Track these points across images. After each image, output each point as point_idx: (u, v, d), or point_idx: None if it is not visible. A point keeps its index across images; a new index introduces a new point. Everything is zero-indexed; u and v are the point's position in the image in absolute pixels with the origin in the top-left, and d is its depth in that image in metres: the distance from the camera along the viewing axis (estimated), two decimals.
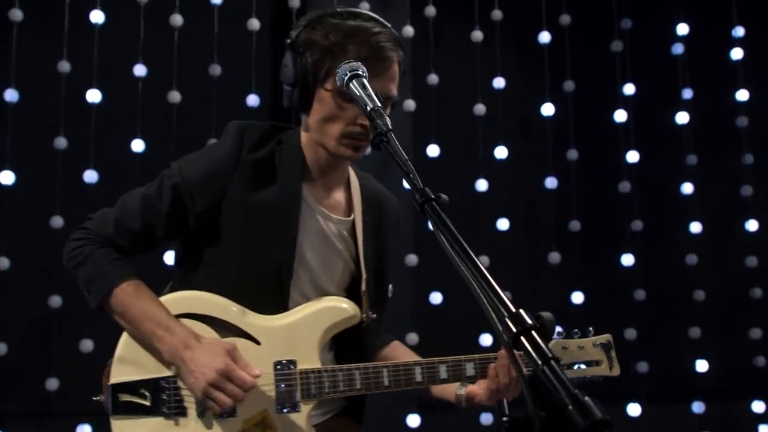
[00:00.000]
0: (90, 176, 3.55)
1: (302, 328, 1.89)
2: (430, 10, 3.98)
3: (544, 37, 4.04)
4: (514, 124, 4.20)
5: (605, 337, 2.08)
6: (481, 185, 3.89)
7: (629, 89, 4.13)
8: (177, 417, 1.83)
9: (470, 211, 3.84)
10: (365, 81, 1.56)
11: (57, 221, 3.51)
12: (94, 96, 3.57)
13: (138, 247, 1.94)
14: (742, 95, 4.17)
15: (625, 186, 4.04)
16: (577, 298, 3.97)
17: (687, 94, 4.15)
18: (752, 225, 4.11)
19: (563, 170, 4.03)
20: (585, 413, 0.82)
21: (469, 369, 1.94)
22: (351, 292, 2.01)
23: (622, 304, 3.98)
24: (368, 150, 1.84)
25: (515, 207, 4.12)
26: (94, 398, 1.90)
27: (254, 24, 3.76)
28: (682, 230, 4.09)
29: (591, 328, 2.08)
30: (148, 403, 1.83)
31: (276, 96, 3.92)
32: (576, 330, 2.08)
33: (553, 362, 0.90)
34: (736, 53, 4.17)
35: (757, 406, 4.04)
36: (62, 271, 3.45)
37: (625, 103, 4.12)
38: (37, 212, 3.55)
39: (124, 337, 1.89)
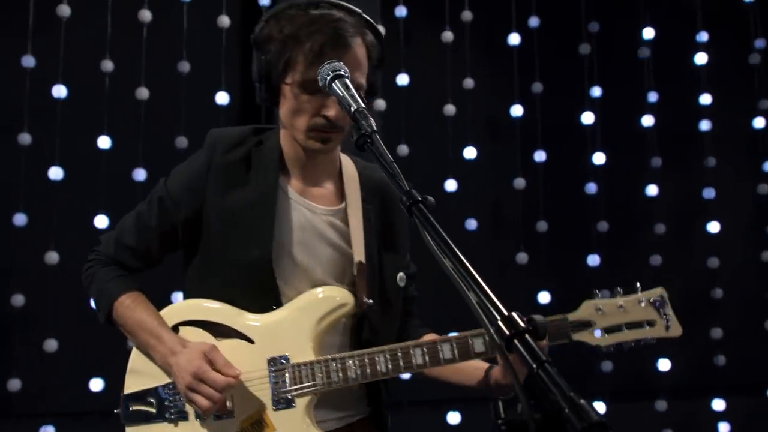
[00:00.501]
0: (55, 173, 3.49)
1: (293, 322, 1.87)
2: (401, 11, 3.99)
3: (514, 38, 4.07)
4: (483, 125, 4.22)
5: (656, 292, 1.86)
6: (450, 185, 3.90)
7: (596, 92, 4.18)
8: (178, 421, 1.87)
9: (439, 211, 3.83)
10: (348, 81, 1.55)
11: (20, 219, 3.45)
12: (59, 91, 3.51)
13: (141, 262, 2.01)
14: (705, 99, 4.25)
15: (591, 187, 4.10)
16: (544, 297, 4.01)
17: (652, 97, 4.22)
18: (714, 227, 4.19)
19: (531, 171, 4.07)
20: (581, 416, 0.83)
21: (478, 345, 1.83)
22: (349, 282, 1.96)
23: None
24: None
25: (483, 207, 4.15)
26: (115, 411, 1.93)
27: (224, 21, 3.73)
28: (647, 231, 4.16)
29: (638, 284, 1.87)
30: (154, 410, 1.89)
31: (245, 94, 3.90)
32: (618, 288, 1.87)
33: (547, 365, 0.91)
34: (700, 58, 4.25)
35: (717, 404, 4.12)
36: (24, 269, 3.43)
37: (593, 105, 4.17)
38: (0, 210, 3.48)
39: (133, 351, 1.95)
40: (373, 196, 2.01)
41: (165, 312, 1.93)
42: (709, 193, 4.18)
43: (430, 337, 2.03)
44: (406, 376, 3.63)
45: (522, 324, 0.97)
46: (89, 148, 3.56)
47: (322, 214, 1.94)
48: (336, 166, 2.02)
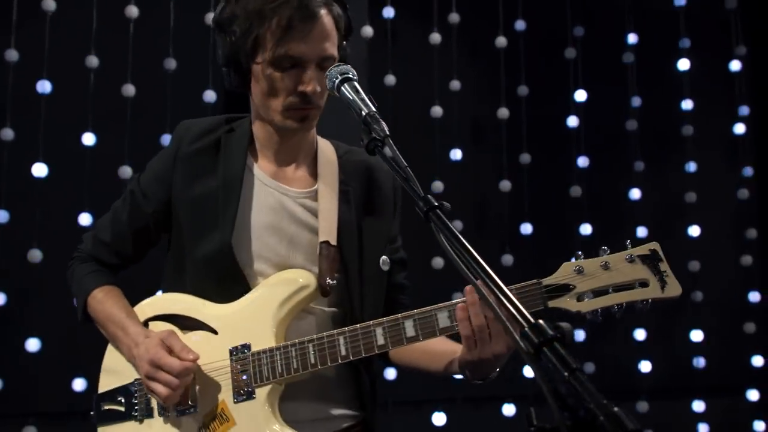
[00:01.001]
0: (39, 170, 3.44)
1: (256, 309, 1.79)
2: (389, 11, 3.99)
3: (501, 41, 4.08)
4: (469, 127, 4.24)
5: (647, 248, 1.56)
6: (436, 186, 3.91)
7: (581, 96, 4.21)
8: (144, 419, 1.83)
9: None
10: (357, 84, 1.53)
11: (2, 216, 3.40)
12: (43, 86, 3.46)
13: (118, 258, 2.00)
14: (687, 104, 4.31)
15: (576, 190, 4.13)
16: None
17: (636, 102, 4.26)
18: (695, 230, 4.24)
19: (516, 173, 4.09)
20: (617, 424, 0.83)
21: (443, 319, 1.64)
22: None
23: None
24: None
25: (469, 209, 4.16)
26: (90, 413, 1.92)
27: (211, 18, 3.69)
28: (629, 234, 4.20)
29: (628, 242, 1.59)
30: (122, 409, 1.86)
31: (231, 92, 3.86)
32: (604, 247, 1.58)
33: (579, 372, 0.91)
34: (683, 64, 4.30)
35: (697, 406, 4.18)
36: (6, 268, 3.37)
37: (577, 109, 4.20)
38: None
39: (108, 348, 1.95)
40: (353, 179, 1.94)
41: (136, 309, 1.92)
42: (690, 197, 4.23)
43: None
44: (391, 375, 3.67)
45: (550, 331, 0.97)
46: (74, 145, 3.51)
47: (294, 197, 1.88)
48: (312, 148, 1.96)
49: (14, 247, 3.38)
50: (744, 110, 4.38)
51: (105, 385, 1.91)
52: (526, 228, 4.06)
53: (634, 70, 4.27)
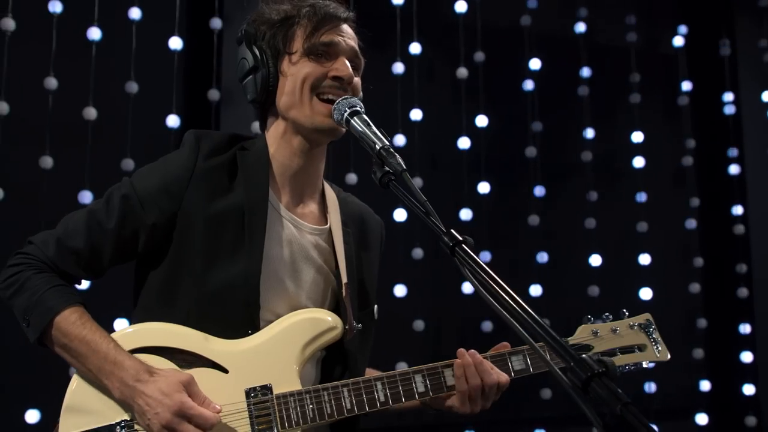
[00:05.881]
0: None
1: (276, 347, 1.67)
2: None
3: (461, 72, 4.15)
4: (429, 157, 4.28)
5: (643, 317, 1.87)
6: (399, 215, 3.93)
7: (537, 126, 4.31)
8: None
9: (387, 241, 3.86)
10: (366, 117, 1.55)
11: None
12: (1, 108, 3.35)
13: (85, 271, 1.74)
14: (638, 137, 4.46)
15: (534, 219, 4.21)
16: (487, 326, 4.08)
17: (589, 133, 4.38)
18: (645, 259, 4.37)
19: (476, 202, 4.15)
20: None
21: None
22: (330, 308, 1.82)
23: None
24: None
25: (430, 237, 4.19)
26: None
27: (176, 42, 3.66)
28: (584, 262, 4.30)
29: (625, 310, 1.88)
30: None
31: (195, 116, 3.82)
32: (607, 314, 1.86)
33: (631, 405, 0.93)
34: (634, 98, 4.46)
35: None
36: None
37: (534, 139, 4.29)
38: None
39: (73, 382, 1.67)
40: (350, 220, 1.91)
41: (115, 337, 1.65)
42: (641, 226, 4.36)
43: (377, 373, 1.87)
44: None
45: (596, 366, 0.99)
46: (30, 168, 3.41)
47: (308, 233, 1.82)
48: (320, 184, 1.90)
49: None
50: (690, 143, 4.56)
51: (70, 426, 1.61)
52: (485, 256, 4.11)
53: (588, 102, 4.40)
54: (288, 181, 1.82)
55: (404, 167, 1.40)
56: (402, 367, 3.33)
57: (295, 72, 1.75)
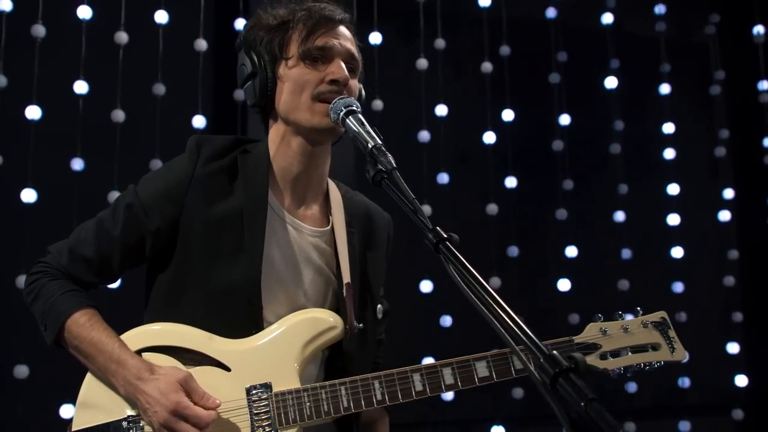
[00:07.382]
0: (27, 195, 3.42)
1: (277, 347, 1.71)
2: (376, 37, 4.02)
3: (486, 66, 4.13)
4: (455, 152, 4.27)
5: (658, 315, 1.79)
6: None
7: (565, 119, 4.27)
8: None
9: (412, 237, 3.87)
10: (361, 117, 1.56)
11: None
12: (33, 113, 3.45)
13: (97, 277, 1.82)
14: (669, 128, 4.38)
15: (562, 213, 4.17)
16: None
17: (619, 125, 4.33)
18: (678, 252, 4.29)
19: (502, 197, 4.13)
20: None
21: (481, 369, 1.72)
22: (330, 308, 1.84)
23: (561, 327, 4.09)
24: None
25: (457, 232, 4.18)
26: None
27: (201, 44, 3.72)
28: (614, 256, 4.25)
29: (639, 308, 1.80)
30: None
31: (221, 117, 3.88)
32: (620, 312, 1.80)
33: (595, 402, 0.93)
34: (664, 88, 4.39)
35: (683, 426, 4.21)
36: None
37: (562, 132, 4.26)
38: None
39: (87, 379, 1.75)
40: (356, 220, 1.93)
41: (124, 338, 1.74)
42: (673, 219, 4.29)
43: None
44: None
45: (565, 362, 0.99)
46: (62, 171, 3.50)
47: (308, 235, 1.84)
48: (323, 186, 1.92)
49: (2, 275, 3.35)
50: (724, 133, 4.47)
51: (83, 421, 1.69)
52: (513, 251, 4.09)
53: (617, 94, 4.34)
54: (289, 184, 1.85)
55: (394, 165, 1.41)
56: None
57: (292, 77, 1.77)
